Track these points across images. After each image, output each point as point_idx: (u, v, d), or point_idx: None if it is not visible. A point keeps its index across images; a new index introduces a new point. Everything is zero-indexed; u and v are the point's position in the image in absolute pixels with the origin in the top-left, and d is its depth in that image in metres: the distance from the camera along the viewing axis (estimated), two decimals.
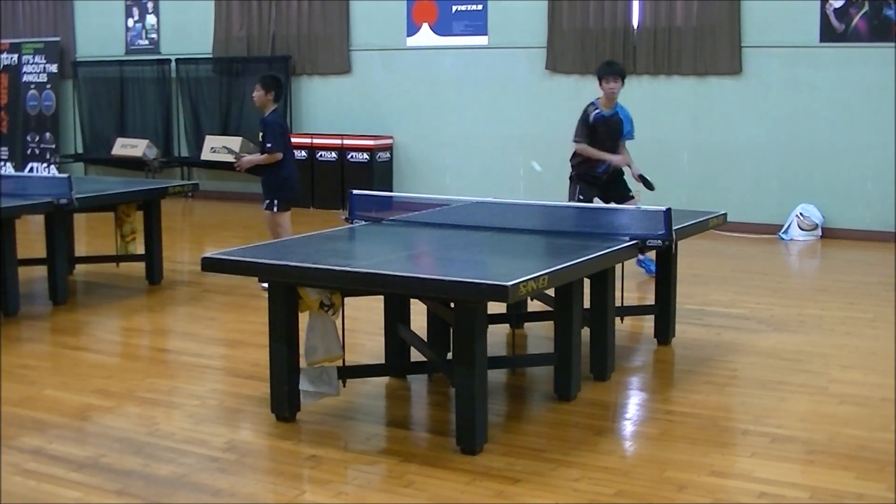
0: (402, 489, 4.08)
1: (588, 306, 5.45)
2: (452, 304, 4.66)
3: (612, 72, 7.75)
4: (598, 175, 7.85)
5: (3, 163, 14.71)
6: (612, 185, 7.91)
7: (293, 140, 12.13)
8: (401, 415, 5.18)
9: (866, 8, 9.81)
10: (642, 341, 6.32)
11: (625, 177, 8.00)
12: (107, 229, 8.40)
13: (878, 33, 9.80)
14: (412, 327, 5.51)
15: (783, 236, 10.15)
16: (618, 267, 5.61)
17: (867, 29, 9.84)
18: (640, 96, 10.91)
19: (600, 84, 7.76)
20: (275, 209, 7.83)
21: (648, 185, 7.76)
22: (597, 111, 7.76)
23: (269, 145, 7.73)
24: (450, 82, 11.95)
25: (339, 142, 12.21)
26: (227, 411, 5.07)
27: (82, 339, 6.62)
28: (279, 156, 7.75)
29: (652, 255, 7.26)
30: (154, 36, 13.82)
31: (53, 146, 14.50)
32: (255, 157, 7.91)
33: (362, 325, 6.26)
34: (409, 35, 12.10)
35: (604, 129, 7.78)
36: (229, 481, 4.18)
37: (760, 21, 10.30)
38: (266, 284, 7.55)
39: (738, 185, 10.51)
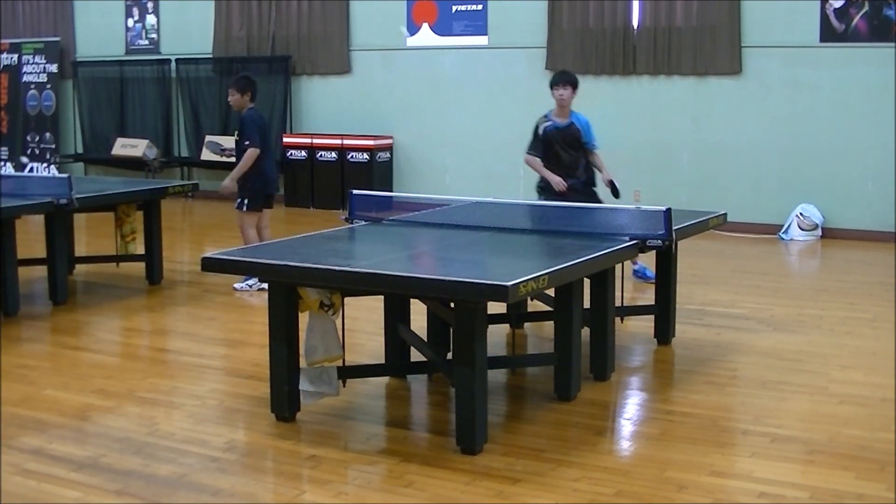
0: (402, 489, 4.08)
1: (588, 306, 5.45)
2: (452, 304, 4.66)
3: (561, 80, 7.41)
4: (570, 186, 7.38)
5: (3, 163, 14.72)
6: (583, 198, 7.26)
7: (293, 140, 12.35)
8: (401, 415, 5.18)
9: (866, 8, 9.81)
10: (642, 341, 6.32)
11: (595, 188, 7.60)
12: (107, 229, 8.39)
13: (878, 33, 9.80)
14: (412, 327, 5.51)
15: (783, 236, 10.15)
16: (618, 267, 5.61)
17: (867, 29, 9.84)
18: (640, 96, 10.95)
19: (552, 93, 7.44)
20: (244, 209, 7.74)
21: (615, 193, 7.42)
22: (548, 123, 7.41)
23: (246, 143, 7.61)
24: (450, 82, 11.95)
25: (339, 142, 12.21)
26: (227, 411, 5.07)
27: (82, 339, 6.61)
28: (257, 151, 7.58)
29: (645, 261, 7.24)
30: (154, 36, 13.81)
31: (53, 146, 14.49)
32: (237, 170, 7.62)
33: (362, 325, 6.26)
34: (409, 35, 12.10)
35: (558, 141, 7.39)
36: (229, 481, 4.18)
37: (760, 21, 10.30)
38: (240, 285, 7.66)
39: (738, 185, 10.51)
